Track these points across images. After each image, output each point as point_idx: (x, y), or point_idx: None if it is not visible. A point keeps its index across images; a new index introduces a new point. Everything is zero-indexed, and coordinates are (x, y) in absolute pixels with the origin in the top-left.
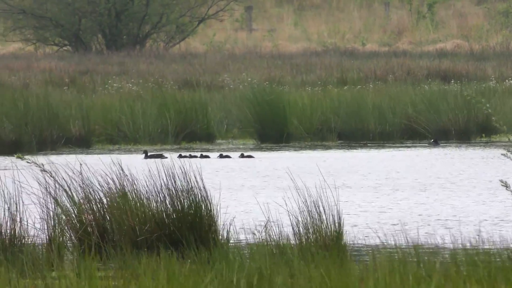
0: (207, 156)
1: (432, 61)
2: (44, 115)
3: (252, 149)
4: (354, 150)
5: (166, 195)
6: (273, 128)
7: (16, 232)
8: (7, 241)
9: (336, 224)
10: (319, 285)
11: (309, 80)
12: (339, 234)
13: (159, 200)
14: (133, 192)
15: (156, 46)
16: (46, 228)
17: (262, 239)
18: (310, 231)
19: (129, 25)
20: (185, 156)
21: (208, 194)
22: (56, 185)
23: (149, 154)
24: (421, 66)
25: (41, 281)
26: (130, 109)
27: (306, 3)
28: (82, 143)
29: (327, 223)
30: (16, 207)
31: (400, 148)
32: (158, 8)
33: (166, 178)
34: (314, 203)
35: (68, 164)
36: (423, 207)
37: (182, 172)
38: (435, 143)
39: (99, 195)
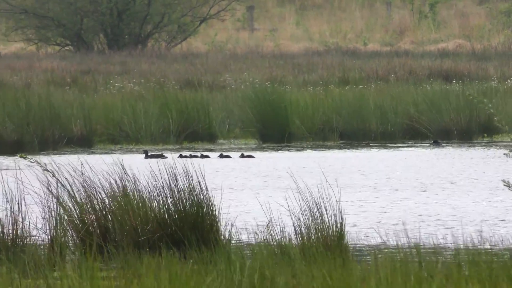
0: (207, 156)
1: (434, 61)
2: (46, 115)
3: (253, 149)
4: (356, 150)
5: (168, 195)
6: (275, 128)
7: (18, 232)
8: (9, 241)
9: (338, 224)
10: (321, 285)
11: (311, 80)
12: (341, 234)
13: (161, 200)
14: (135, 192)
15: (158, 46)
16: (48, 228)
17: (264, 239)
18: (312, 231)
19: (131, 24)
20: (185, 156)
21: (210, 194)
22: (58, 185)
23: (149, 154)
24: (423, 66)
25: (43, 281)
26: (132, 109)
27: (308, 3)
28: (84, 143)
29: (329, 223)
30: (18, 207)
31: (402, 148)
32: (160, 7)
33: (168, 178)
34: (315, 203)
35: (70, 164)
36: (423, 207)
37: (184, 172)
38: (436, 144)
39: (101, 195)
